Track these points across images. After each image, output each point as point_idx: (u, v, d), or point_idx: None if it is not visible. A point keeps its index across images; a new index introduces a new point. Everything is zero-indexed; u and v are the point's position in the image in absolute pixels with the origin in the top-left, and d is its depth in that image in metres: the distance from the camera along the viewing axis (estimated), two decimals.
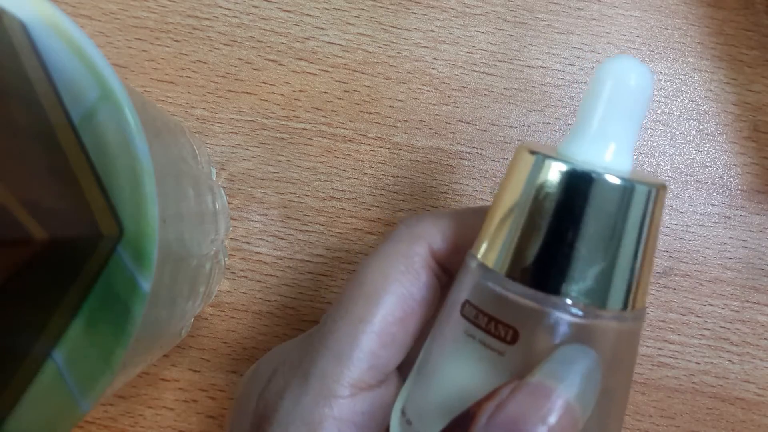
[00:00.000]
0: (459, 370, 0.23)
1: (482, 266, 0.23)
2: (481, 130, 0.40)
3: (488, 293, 0.22)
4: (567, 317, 0.21)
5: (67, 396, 0.24)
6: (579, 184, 0.21)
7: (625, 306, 0.22)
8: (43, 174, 0.22)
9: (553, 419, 0.20)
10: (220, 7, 0.41)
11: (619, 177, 0.21)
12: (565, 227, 0.21)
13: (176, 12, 0.41)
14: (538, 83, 0.41)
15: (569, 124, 0.40)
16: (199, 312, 0.39)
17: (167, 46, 0.41)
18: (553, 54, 0.41)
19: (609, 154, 0.22)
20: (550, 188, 0.21)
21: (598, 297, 0.21)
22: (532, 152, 0.22)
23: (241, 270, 0.40)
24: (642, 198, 0.21)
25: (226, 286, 0.40)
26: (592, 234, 0.21)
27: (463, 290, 0.24)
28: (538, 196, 0.21)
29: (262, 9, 0.41)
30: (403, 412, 0.25)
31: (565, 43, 0.41)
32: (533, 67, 0.41)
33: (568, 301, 0.21)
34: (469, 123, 0.40)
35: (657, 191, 0.21)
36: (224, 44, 0.41)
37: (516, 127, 0.40)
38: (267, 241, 0.40)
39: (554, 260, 0.21)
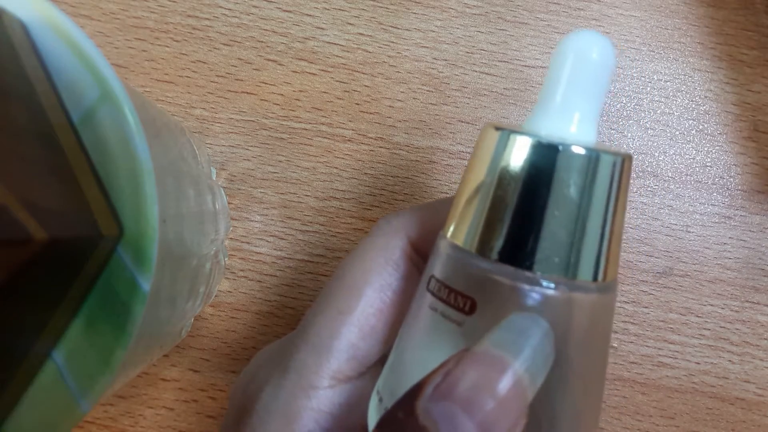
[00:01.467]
0: (423, 344, 0.23)
1: (449, 243, 0.23)
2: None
3: (452, 267, 0.23)
4: (535, 290, 0.21)
5: (67, 396, 0.24)
6: (543, 156, 0.21)
7: (595, 277, 0.21)
8: (44, 174, 0.22)
9: (498, 388, 0.19)
10: (220, 7, 0.42)
11: (583, 147, 0.21)
12: (530, 199, 0.21)
13: (176, 12, 0.42)
14: (538, 83, 0.41)
15: None
16: (199, 312, 0.39)
17: (167, 46, 0.41)
18: None
19: (573, 127, 0.22)
20: (515, 162, 0.21)
21: (566, 269, 0.21)
22: (497, 128, 0.22)
23: (241, 270, 0.40)
24: (607, 168, 0.21)
25: (226, 286, 0.40)
26: (558, 205, 0.21)
27: (431, 268, 0.24)
28: (503, 170, 0.21)
29: (262, 9, 0.42)
30: (377, 391, 0.25)
31: None
32: (533, 67, 0.41)
33: (537, 274, 0.21)
34: (469, 123, 0.40)
35: (622, 161, 0.21)
36: (224, 44, 0.41)
37: None
38: (267, 241, 0.40)
39: (519, 233, 0.21)
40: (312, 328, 0.26)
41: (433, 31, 0.41)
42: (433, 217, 0.27)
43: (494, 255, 0.21)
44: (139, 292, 0.24)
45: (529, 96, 0.41)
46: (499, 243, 0.21)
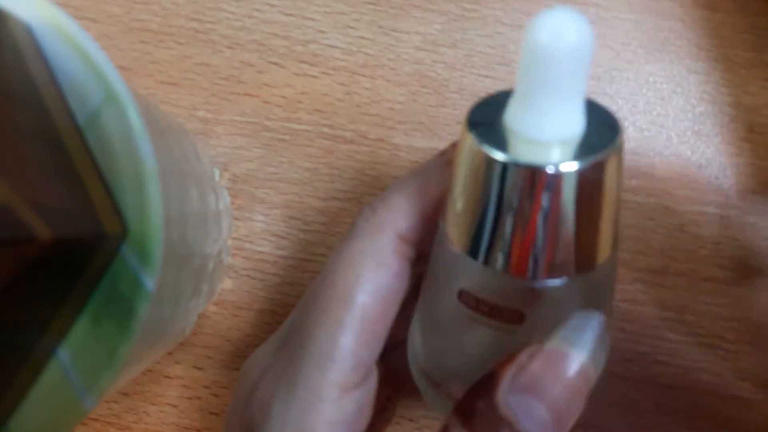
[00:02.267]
0: (471, 341, 0.25)
1: (470, 260, 0.23)
2: None
3: (485, 285, 0.23)
4: (560, 286, 0.22)
5: (72, 393, 0.24)
6: (534, 178, 0.20)
7: (606, 257, 0.22)
8: (49, 175, 0.22)
9: (569, 381, 0.22)
10: (223, 10, 0.42)
11: (571, 159, 0.20)
12: (537, 217, 0.21)
13: (179, 15, 0.42)
14: None
15: None
16: (203, 310, 0.39)
17: (171, 49, 0.42)
18: None
19: (556, 124, 0.20)
20: (510, 186, 0.21)
21: (584, 263, 0.22)
22: (483, 149, 0.21)
23: (244, 269, 0.41)
24: (596, 171, 0.20)
25: (229, 284, 0.40)
26: (562, 215, 0.21)
27: (453, 277, 0.24)
28: (501, 192, 0.21)
29: (264, 12, 0.42)
30: (425, 373, 0.27)
31: None
32: None
33: (561, 280, 0.22)
34: None
35: (606, 159, 0.20)
36: (227, 47, 0.42)
37: None
38: (269, 240, 0.41)
39: (538, 248, 0.21)
40: (313, 341, 0.26)
41: (432, 35, 0.42)
42: (417, 204, 0.27)
43: (532, 275, 0.22)
44: (143, 291, 0.24)
45: None
46: (535, 263, 0.22)
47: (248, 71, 0.42)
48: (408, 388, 0.32)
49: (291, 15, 0.42)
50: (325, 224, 0.41)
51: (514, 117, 0.21)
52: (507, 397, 0.22)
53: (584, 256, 0.22)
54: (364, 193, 0.41)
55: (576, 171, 0.20)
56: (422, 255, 0.27)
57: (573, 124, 0.21)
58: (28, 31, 0.24)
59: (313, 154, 0.41)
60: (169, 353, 0.40)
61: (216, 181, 0.39)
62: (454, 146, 0.26)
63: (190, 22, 0.42)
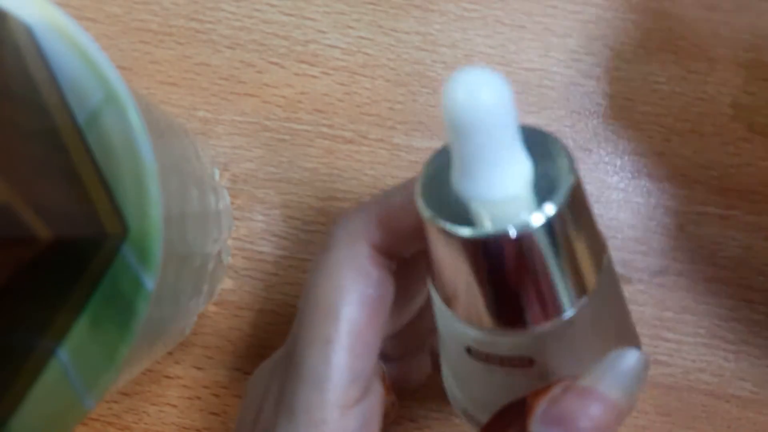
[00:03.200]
0: (492, 381, 0.25)
1: (470, 324, 0.22)
2: None
3: (487, 343, 0.23)
4: (560, 324, 0.21)
5: (72, 393, 0.24)
6: (498, 244, 0.19)
7: (595, 279, 0.22)
8: (49, 174, 0.23)
9: (599, 418, 0.23)
10: (223, 10, 0.42)
11: (532, 209, 0.19)
12: (512, 276, 0.20)
13: (179, 15, 0.42)
14: (536, 85, 0.41)
15: (566, 126, 0.41)
16: (203, 310, 0.40)
17: (171, 49, 0.42)
18: (550, 57, 0.41)
19: (500, 181, 0.19)
20: (478, 256, 0.20)
21: (576, 295, 0.21)
22: (441, 225, 0.20)
23: (244, 269, 0.41)
24: (559, 212, 0.19)
25: (229, 284, 0.40)
26: (537, 264, 0.20)
27: (456, 336, 0.24)
28: (471, 263, 0.20)
29: (264, 12, 0.42)
30: (455, 398, 0.28)
31: (562, 46, 0.41)
32: (531, 69, 0.41)
33: (558, 319, 0.21)
34: None
35: (565, 194, 0.19)
36: (227, 47, 0.42)
37: None
38: (269, 240, 0.41)
39: (524, 300, 0.21)
40: (304, 364, 0.25)
41: (432, 35, 0.42)
42: (388, 216, 0.26)
43: (528, 324, 0.21)
44: (143, 291, 0.24)
45: (527, 98, 0.41)
46: (526, 314, 0.21)
47: (248, 71, 0.42)
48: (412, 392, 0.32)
49: (291, 15, 0.42)
50: (325, 224, 0.41)
51: (458, 182, 0.20)
52: (539, 428, 0.23)
53: (573, 289, 0.21)
54: (364, 193, 0.41)
55: (540, 225, 0.19)
56: (403, 263, 0.27)
57: (518, 173, 0.19)
58: (28, 31, 0.24)
59: (313, 154, 0.41)
60: (169, 353, 0.40)
61: (216, 181, 0.39)
62: None
63: (190, 22, 0.42)
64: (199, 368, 0.40)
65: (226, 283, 0.40)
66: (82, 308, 0.24)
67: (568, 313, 0.21)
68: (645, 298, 0.39)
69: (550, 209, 0.19)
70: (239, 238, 0.41)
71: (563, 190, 0.19)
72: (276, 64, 0.42)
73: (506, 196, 0.19)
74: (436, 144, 0.40)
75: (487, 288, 0.20)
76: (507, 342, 0.23)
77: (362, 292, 0.25)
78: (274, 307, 0.40)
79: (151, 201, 0.24)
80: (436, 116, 0.41)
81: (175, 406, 0.40)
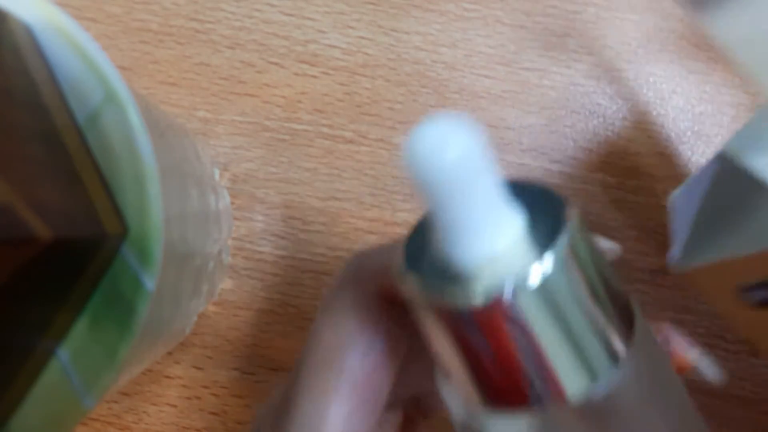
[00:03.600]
0: None
1: (482, 413, 0.19)
2: None
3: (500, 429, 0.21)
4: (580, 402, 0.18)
5: (72, 393, 0.24)
6: (490, 313, 0.16)
7: (628, 338, 0.18)
8: (49, 174, 0.23)
9: None
10: (223, 10, 0.42)
11: (522, 270, 0.16)
12: (516, 351, 0.17)
13: (179, 15, 0.42)
14: (536, 85, 0.41)
15: (566, 126, 0.41)
16: (203, 310, 0.40)
17: (171, 49, 0.42)
18: (550, 56, 0.41)
19: (482, 240, 0.16)
20: (475, 330, 0.17)
21: (589, 376, 0.17)
22: (427, 297, 0.17)
23: (244, 269, 0.41)
24: (556, 265, 0.16)
25: (229, 284, 0.40)
26: (541, 337, 0.17)
27: (465, 416, 0.20)
28: (468, 339, 0.17)
29: (264, 12, 0.42)
30: None
31: (561, 46, 0.41)
32: (530, 69, 0.41)
33: (572, 400, 0.17)
34: None
35: (563, 250, 0.16)
36: (227, 47, 0.42)
37: (514, 129, 0.41)
38: (269, 240, 0.41)
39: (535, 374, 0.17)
40: (300, 415, 0.23)
41: (432, 35, 0.42)
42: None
43: (545, 404, 0.18)
44: (143, 291, 0.24)
45: (527, 98, 0.41)
46: (535, 391, 0.17)
47: (248, 71, 0.42)
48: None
49: (291, 15, 0.42)
50: (325, 224, 0.41)
51: (436, 248, 0.18)
52: None
53: (609, 351, 0.17)
54: (363, 193, 0.41)
55: (536, 286, 0.16)
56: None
57: (503, 231, 0.17)
58: (28, 31, 0.24)
59: (313, 154, 0.41)
60: (169, 353, 0.40)
61: (216, 181, 0.39)
62: None
63: (190, 22, 0.42)
64: (198, 368, 0.40)
65: (226, 283, 0.40)
66: (82, 308, 0.24)
67: (580, 393, 0.17)
68: (645, 298, 0.39)
69: (535, 272, 0.16)
70: (239, 237, 0.41)
71: (560, 244, 0.16)
72: (276, 64, 0.42)
73: (487, 257, 0.17)
74: None
75: (493, 367, 0.17)
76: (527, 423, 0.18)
77: (366, 345, 0.23)
78: (274, 307, 0.40)
79: (151, 201, 0.24)
80: None
81: (174, 406, 0.40)
